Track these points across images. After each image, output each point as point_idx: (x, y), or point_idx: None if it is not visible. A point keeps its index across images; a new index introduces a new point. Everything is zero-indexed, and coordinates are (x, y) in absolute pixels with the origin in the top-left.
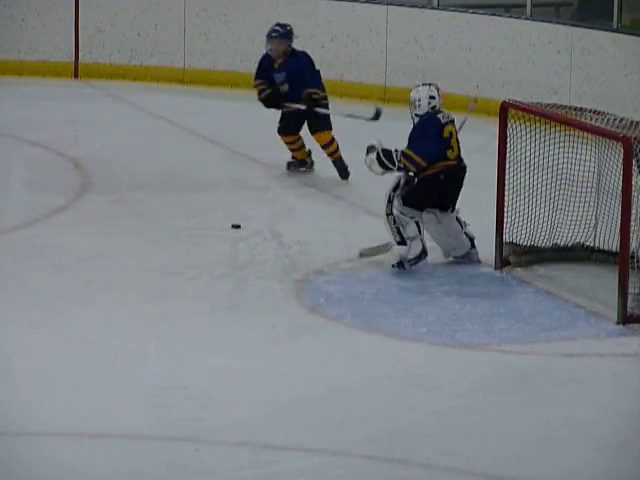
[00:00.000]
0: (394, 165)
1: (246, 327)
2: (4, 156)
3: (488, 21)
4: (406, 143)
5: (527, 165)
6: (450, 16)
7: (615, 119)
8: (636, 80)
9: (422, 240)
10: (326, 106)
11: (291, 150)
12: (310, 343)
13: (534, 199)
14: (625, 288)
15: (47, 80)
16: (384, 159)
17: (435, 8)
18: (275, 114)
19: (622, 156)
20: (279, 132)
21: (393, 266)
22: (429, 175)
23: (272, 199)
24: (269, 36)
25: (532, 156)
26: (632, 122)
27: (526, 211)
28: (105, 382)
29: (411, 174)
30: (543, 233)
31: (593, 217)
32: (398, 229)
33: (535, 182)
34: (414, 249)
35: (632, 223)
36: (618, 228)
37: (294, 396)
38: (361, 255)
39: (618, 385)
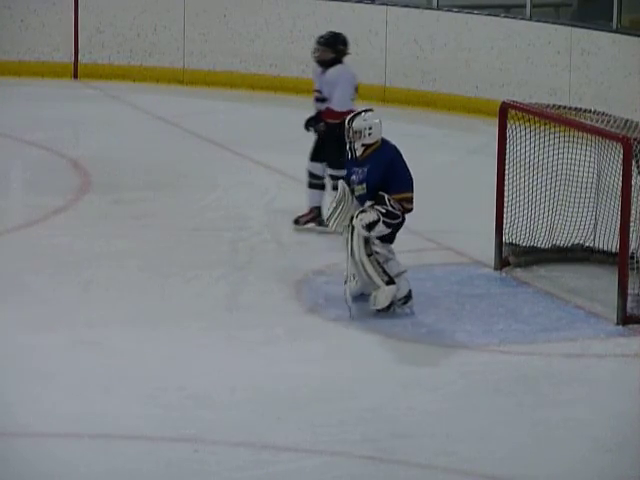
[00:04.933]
0: (400, 217)
1: (245, 327)
2: (4, 156)
3: (487, 22)
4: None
5: (527, 165)
6: (449, 17)
7: (615, 119)
8: (636, 80)
9: (407, 278)
10: None
11: None
12: (309, 344)
13: (534, 199)
14: (625, 289)
15: (46, 81)
16: (390, 221)
17: (434, 9)
18: (278, 112)
19: (622, 156)
20: None
21: (379, 311)
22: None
23: (272, 199)
24: None
25: (532, 156)
26: (632, 122)
27: (526, 211)
28: (105, 382)
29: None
30: (543, 233)
31: (593, 217)
32: (384, 269)
33: (535, 182)
34: (403, 288)
35: (632, 223)
36: (617, 228)
37: (293, 396)
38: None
39: (617, 385)
